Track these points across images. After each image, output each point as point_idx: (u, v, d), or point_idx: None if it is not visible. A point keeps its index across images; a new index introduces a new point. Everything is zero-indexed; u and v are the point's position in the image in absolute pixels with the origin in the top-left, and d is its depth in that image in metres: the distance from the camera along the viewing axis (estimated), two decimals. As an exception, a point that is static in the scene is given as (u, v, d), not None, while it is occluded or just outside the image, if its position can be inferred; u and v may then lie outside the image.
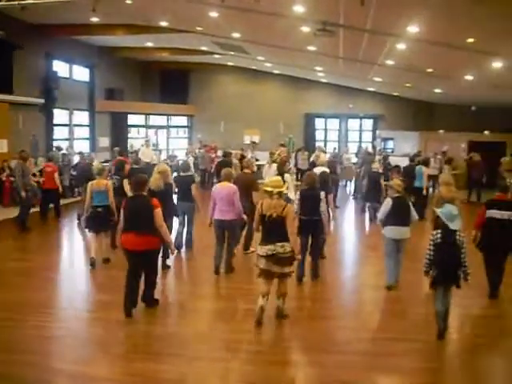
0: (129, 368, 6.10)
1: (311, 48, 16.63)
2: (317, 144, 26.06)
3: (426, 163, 15.88)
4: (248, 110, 28.18)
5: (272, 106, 28.51)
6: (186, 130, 29.73)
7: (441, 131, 25.59)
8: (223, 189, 9.49)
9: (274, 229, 7.15)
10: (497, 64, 13.14)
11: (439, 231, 6.96)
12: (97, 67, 23.09)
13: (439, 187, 10.88)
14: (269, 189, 7.36)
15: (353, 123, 30.03)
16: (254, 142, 24.67)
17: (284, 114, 28.18)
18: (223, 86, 29.07)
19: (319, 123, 29.79)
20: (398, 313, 8.02)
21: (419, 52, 14.25)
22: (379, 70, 18.81)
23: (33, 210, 13.73)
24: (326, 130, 30.02)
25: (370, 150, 23.91)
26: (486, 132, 24.01)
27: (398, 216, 8.79)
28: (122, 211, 7.69)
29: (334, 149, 25.27)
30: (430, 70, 16.84)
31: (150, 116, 27.50)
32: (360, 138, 29.92)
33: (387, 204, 8.91)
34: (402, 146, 25.19)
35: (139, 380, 5.88)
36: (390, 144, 26.85)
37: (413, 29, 11.33)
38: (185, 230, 11.09)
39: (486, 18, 9.64)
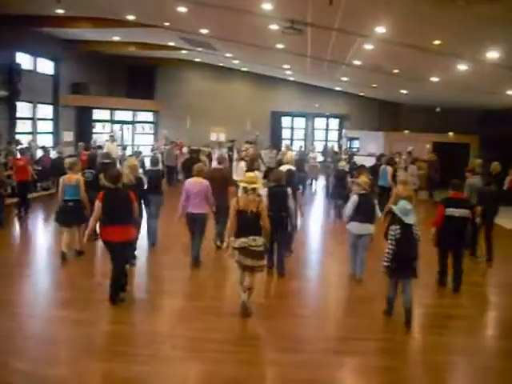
0: (90, 367, 6.00)
1: (279, 46, 16.65)
2: (283, 142, 26.16)
3: (390, 163, 16.11)
4: (215, 107, 28.07)
5: (239, 103, 28.49)
6: (152, 125, 29.47)
7: (406, 131, 25.89)
8: (196, 183, 9.79)
9: (248, 223, 7.35)
10: (462, 66, 13.36)
11: (398, 227, 7.31)
12: (62, 60, 22.67)
13: (397, 186, 11.33)
14: (244, 184, 7.55)
15: (319, 122, 30.28)
16: (225, 141, 24.57)
17: (251, 111, 28.18)
18: (190, 82, 28.88)
19: (286, 121, 29.90)
20: (363, 311, 8.07)
21: (386, 53, 14.38)
22: (346, 70, 18.94)
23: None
24: (292, 128, 30.15)
25: (336, 149, 24.25)
26: (451, 133, 24.39)
27: (363, 212, 9.12)
28: (97, 203, 7.82)
29: (300, 147, 25.37)
30: (396, 71, 17.02)
31: (116, 111, 27.15)
32: (326, 137, 30.14)
33: (353, 200, 9.21)
34: (368, 146, 25.40)
35: (100, 379, 5.82)
36: (356, 144, 27.04)
37: (380, 29, 11.43)
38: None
39: (452, 21, 9.78)
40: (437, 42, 11.52)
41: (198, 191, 9.69)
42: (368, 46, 13.47)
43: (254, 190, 7.52)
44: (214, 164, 15.12)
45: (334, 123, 30.26)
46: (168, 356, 6.31)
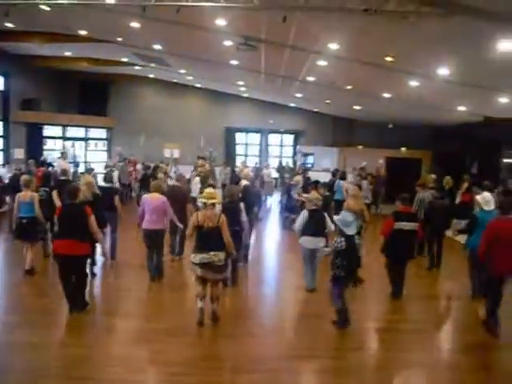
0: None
1: (233, 62, 16.67)
2: (237, 158, 26.16)
3: (343, 177, 16.27)
4: (169, 123, 27.86)
5: (193, 119, 28.38)
6: (105, 142, 29.01)
7: (359, 147, 26.21)
8: (153, 199, 9.80)
9: (209, 238, 7.46)
10: (413, 83, 13.59)
11: (342, 238, 7.64)
12: (12, 76, 22.18)
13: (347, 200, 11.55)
14: (204, 200, 7.70)
15: (274, 138, 30.37)
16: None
17: (205, 127, 28.00)
18: (144, 98, 28.64)
19: (240, 138, 29.91)
20: (318, 328, 8.01)
21: (339, 69, 14.55)
22: (300, 86, 19.08)
23: None
24: (246, 144, 30.18)
25: (291, 165, 24.45)
26: (403, 149, 24.81)
27: (313, 227, 9.36)
28: (56, 219, 8.00)
29: (256, 163, 25.42)
30: (349, 87, 17.22)
31: (68, 127, 26.61)
32: (281, 153, 30.26)
33: (303, 216, 9.47)
34: (322, 161, 25.63)
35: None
36: (311, 159, 27.20)
37: (333, 46, 11.55)
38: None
39: (403, 37, 9.96)
40: (389, 59, 11.69)
41: (154, 207, 9.68)
42: (321, 63, 13.60)
43: (213, 205, 7.70)
44: (170, 181, 15.08)
45: (289, 139, 30.43)
46: (122, 379, 6.12)
